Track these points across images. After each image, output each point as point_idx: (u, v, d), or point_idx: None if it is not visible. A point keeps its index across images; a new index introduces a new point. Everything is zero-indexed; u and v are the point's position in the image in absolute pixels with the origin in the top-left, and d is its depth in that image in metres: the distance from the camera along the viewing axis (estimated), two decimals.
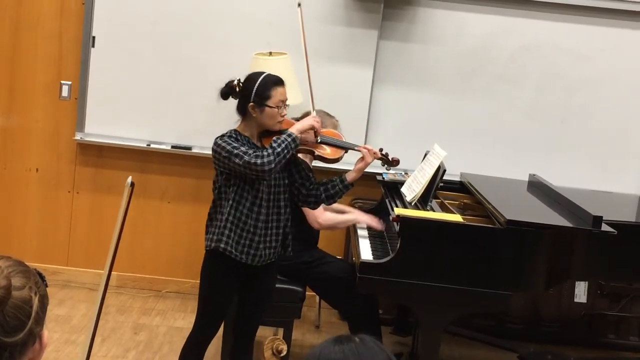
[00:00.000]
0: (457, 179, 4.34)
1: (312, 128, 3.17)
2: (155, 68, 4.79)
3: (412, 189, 3.85)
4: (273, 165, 2.99)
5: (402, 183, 4.09)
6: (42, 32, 4.87)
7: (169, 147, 4.84)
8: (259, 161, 2.97)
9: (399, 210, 3.47)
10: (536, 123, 4.84)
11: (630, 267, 3.59)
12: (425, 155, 3.99)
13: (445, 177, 3.79)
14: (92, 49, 4.79)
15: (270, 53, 4.45)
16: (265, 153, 2.99)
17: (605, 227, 3.34)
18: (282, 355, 2.29)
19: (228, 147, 3.02)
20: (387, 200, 4.00)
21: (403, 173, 4.43)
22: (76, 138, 4.89)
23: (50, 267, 4.88)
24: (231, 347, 3.46)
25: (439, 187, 3.84)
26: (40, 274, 1.44)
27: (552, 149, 4.85)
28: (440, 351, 3.40)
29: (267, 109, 3.09)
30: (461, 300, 3.28)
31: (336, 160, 3.32)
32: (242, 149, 3.02)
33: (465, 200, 4.00)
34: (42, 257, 4.91)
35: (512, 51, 4.78)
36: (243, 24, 4.74)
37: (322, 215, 3.89)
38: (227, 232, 3.11)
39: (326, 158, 3.28)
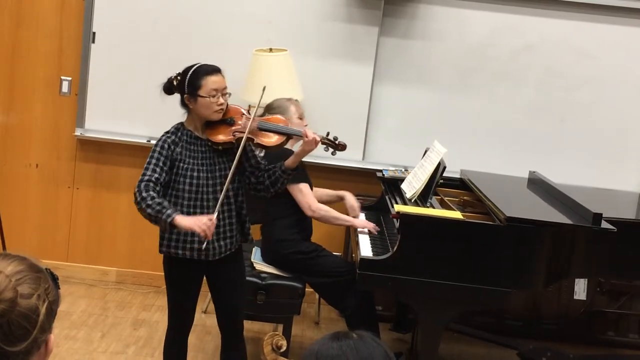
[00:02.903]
0: (457, 176, 4.34)
1: (201, 233, 2.92)
2: (155, 64, 4.78)
3: (412, 186, 3.86)
4: (136, 206, 2.96)
5: (402, 180, 4.09)
6: (42, 28, 4.86)
7: None
8: (136, 191, 2.95)
9: (399, 207, 3.47)
10: (537, 121, 4.84)
11: (630, 264, 3.59)
12: (426, 152, 3.99)
13: (445, 174, 3.80)
14: (92, 45, 4.79)
15: (271, 49, 4.45)
16: (143, 196, 2.92)
17: (605, 225, 3.34)
18: (281, 350, 2.28)
19: (151, 153, 3.06)
20: (387, 197, 3.99)
21: (403, 170, 4.44)
22: (76, 134, 4.89)
23: (50, 262, 4.87)
24: (222, 350, 3.39)
25: (439, 184, 3.84)
26: (53, 276, 1.42)
27: (552, 147, 4.84)
28: (439, 348, 3.41)
29: (199, 99, 3.06)
30: (461, 297, 3.28)
31: (276, 147, 3.20)
32: (153, 164, 3.01)
33: (465, 197, 4.01)
34: (42, 253, 4.91)
35: (513, 49, 4.78)
36: (243, 21, 4.74)
37: (314, 203, 3.86)
38: (167, 235, 3.08)
39: (265, 145, 3.18)
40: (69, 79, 4.90)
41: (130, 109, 4.84)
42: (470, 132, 4.83)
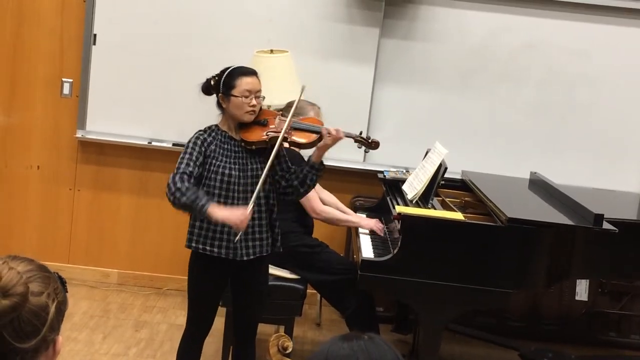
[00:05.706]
0: (459, 177, 4.34)
1: (234, 225, 2.96)
2: (156, 66, 4.79)
3: (413, 187, 3.86)
4: (169, 198, 2.98)
5: (403, 181, 4.09)
6: (43, 30, 4.86)
7: (170, 145, 4.84)
8: (170, 182, 2.97)
9: (400, 208, 3.47)
10: (537, 121, 4.83)
11: (632, 265, 3.59)
12: (427, 153, 3.99)
13: (446, 175, 3.80)
14: (94, 47, 4.79)
15: (272, 51, 4.44)
16: (178, 187, 2.95)
17: (606, 225, 3.34)
18: (287, 352, 2.28)
19: (185, 149, 3.08)
20: (388, 198, 4.00)
21: (404, 171, 4.44)
22: (77, 135, 4.89)
23: (51, 264, 4.83)
24: (233, 349, 3.43)
25: (440, 185, 3.84)
26: (61, 279, 1.43)
27: (553, 148, 4.84)
28: (441, 349, 3.41)
29: (232, 98, 3.08)
30: (462, 298, 3.28)
31: (311, 145, 3.21)
32: (187, 158, 3.03)
33: (466, 198, 4.01)
34: (43, 255, 4.90)
35: (513, 49, 4.78)
36: (244, 21, 4.74)
37: (319, 206, 3.89)
38: (197, 230, 3.11)
39: (300, 143, 3.22)
40: (70, 80, 4.90)
41: (131, 110, 4.84)
42: (472, 133, 4.83)
